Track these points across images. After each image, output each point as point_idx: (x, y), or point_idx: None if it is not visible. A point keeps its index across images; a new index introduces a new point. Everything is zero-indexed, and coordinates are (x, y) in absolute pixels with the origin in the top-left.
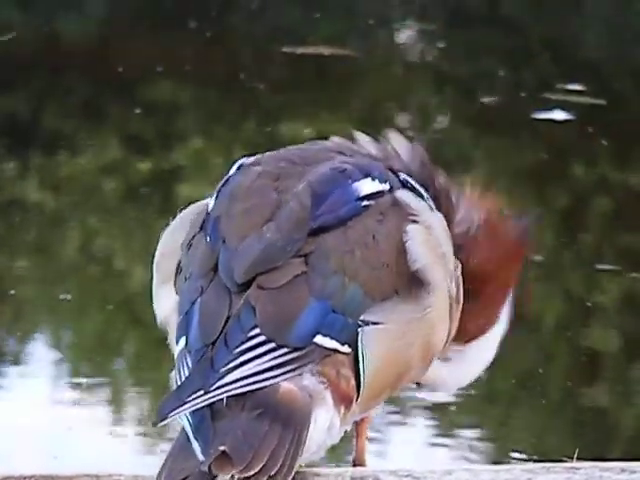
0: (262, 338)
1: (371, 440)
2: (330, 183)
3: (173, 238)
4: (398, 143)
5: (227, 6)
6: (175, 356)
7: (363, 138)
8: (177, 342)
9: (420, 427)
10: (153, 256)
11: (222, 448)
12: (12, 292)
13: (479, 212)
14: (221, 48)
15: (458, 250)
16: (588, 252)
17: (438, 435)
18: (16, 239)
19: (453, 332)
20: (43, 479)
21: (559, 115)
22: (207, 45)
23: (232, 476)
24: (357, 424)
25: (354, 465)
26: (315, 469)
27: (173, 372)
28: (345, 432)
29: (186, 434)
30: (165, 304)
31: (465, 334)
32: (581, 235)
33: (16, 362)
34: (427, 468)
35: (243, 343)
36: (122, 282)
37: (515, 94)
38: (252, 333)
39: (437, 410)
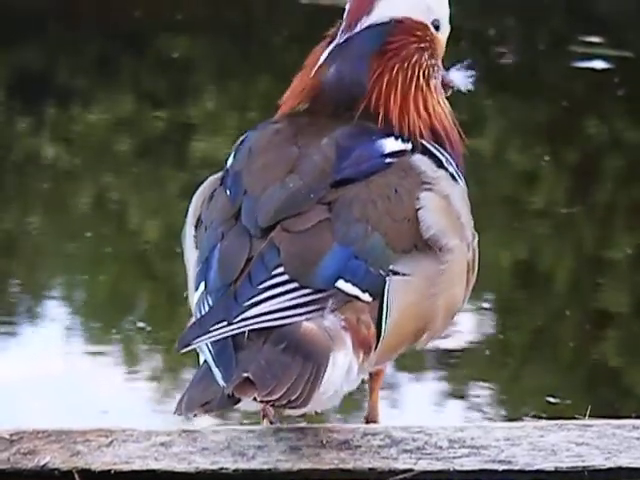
0: (286, 277)
1: (384, 397)
2: (354, 139)
3: (195, 207)
4: None
5: None
6: (194, 304)
7: None
8: (196, 288)
9: (432, 384)
10: (180, 230)
11: (246, 374)
12: (26, 247)
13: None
14: None
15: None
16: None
17: (450, 392)
18: (30, 193)
19: (467, 295)
20: (56, 434)
21: (599, 64)
22: None
23: (254, 399)
24: (371, 380)
25: (367, 422)
26: (328, 425)
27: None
28: (362, 381)
29: (206, 366)
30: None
31: None
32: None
33: (63, 317)
34: (439, 425)
35: (267, 280)
36: (136, 236)
37: (534, 46)
38: (276, 271)
39: (450, 367)
